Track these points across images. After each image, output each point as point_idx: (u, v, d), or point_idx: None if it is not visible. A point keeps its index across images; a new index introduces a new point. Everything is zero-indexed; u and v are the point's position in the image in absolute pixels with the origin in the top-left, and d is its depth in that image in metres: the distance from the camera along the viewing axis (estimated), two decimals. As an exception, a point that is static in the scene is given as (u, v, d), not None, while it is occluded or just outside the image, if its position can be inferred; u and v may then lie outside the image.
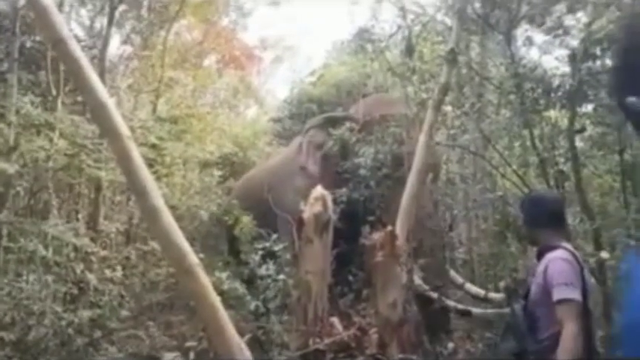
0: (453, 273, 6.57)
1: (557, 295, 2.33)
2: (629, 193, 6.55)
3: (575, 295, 2.32)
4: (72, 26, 9.43)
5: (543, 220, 2.63)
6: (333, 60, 12.32)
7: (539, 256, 2.56)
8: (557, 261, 2.41)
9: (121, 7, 9.07)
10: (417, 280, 5.73)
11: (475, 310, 5.81)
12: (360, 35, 8.77)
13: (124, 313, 6.41)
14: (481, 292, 6.10)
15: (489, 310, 5.73)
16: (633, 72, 1.35)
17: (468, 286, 6.30)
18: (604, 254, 4.47)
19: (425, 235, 6.12)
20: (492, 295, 5.92)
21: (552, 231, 2.59)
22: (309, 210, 5.28)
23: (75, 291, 6.36)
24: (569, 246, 2.53)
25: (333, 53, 12.32)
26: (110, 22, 8.27)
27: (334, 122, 7.47)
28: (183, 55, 10.82)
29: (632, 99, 1.36)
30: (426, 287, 5.72)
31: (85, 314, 5.99)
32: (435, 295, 5.68)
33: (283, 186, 7.29)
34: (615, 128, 6.79)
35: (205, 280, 3.81)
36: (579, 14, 7.46)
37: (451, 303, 5.89)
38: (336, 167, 7.08)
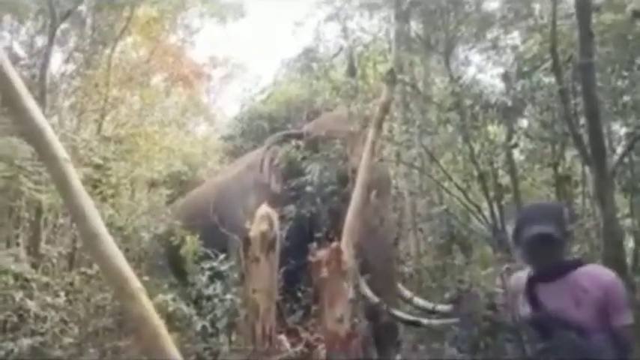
0: (401, 287, 6.71)
1: (625, 319, 2.23)
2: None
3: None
4: (11, 44, 9.19)
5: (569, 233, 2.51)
6: (283, 77, 12.38)
7: (560, 271, 2.35)
8: (619, 283, 2.29)
9: (63, 25, 8.89)
10: (368, 293, 5.85)
11: (424, 321, 5.98)
12: (305, 55, 8.90)
13: (67, 340, 6.21)
14: (429, 305, 6.27)
15: (438, 321, 5.90)
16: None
17: (416, 299, 6.46)
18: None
19: (373, 250, 6.24)
20: (440, 307, 6.10)
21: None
22: (255, 228, 5.29)
23: (14, 319, 6.14)
24: None
25: (283, 71, 12.40)
26: (51, 41, 8.09)
27: (293, 139, 7.40)
28: (129, 74, 10.63)
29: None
30: (376, 299, 5.83)
31: (26, 342, 5.80)
32: (384, 307, 5.80)
33: (235, 204, 7.21)
34: (550, 143, 7.17)
35: (148, 304, 3.75)
36: (514, 34, 7.88)
37: (400, 314, 6.03)
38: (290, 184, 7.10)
